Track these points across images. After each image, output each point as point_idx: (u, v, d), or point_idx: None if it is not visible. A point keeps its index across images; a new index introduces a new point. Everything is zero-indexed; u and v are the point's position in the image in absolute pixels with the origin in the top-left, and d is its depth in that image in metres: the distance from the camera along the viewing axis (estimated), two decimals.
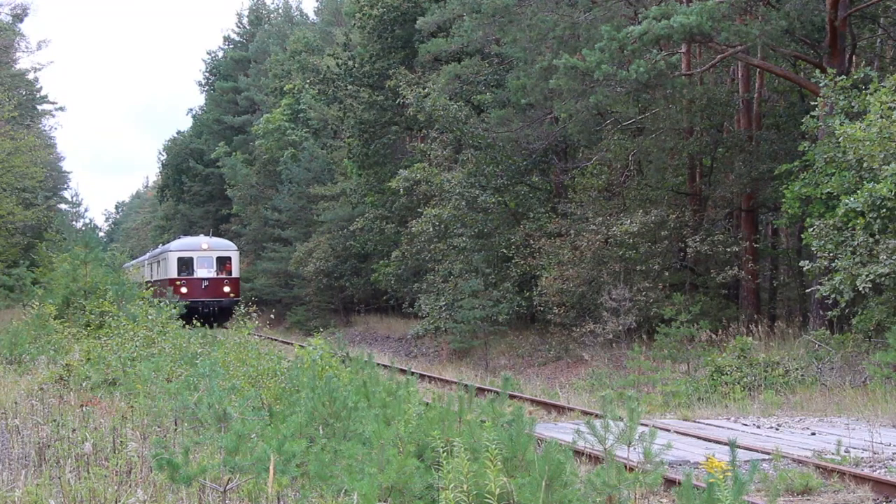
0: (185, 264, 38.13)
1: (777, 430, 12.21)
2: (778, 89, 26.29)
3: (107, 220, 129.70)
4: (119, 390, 11.72)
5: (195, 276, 37.89)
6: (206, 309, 34.94)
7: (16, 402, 10.61)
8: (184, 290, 36.32)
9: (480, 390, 13.52)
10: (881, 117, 16.05)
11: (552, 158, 29.04)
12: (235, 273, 39.19)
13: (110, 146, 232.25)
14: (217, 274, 38.21)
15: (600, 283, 24.23)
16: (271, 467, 6.10)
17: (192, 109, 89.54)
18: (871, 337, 17.27)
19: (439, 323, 28.03)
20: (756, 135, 24.65)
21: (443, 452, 6.82)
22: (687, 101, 23.88)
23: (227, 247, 40.46)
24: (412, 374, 10.64)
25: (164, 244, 49.22)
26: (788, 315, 24.60)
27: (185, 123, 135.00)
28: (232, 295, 37.64)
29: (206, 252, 38.60)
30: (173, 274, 37.87)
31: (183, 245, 40.26)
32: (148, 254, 50.22)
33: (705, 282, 24.53)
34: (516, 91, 24.71)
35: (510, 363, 25.11)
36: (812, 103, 19.27)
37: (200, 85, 74.60)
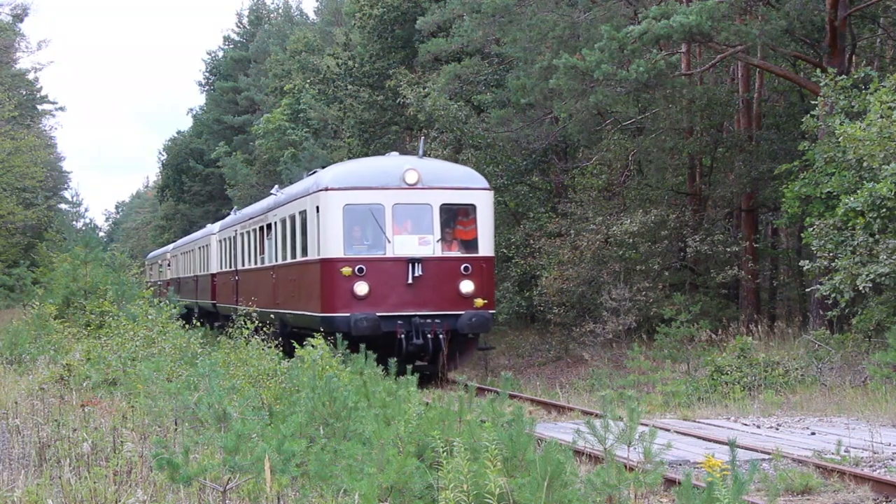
0: (364, 223, 17.02)
1: (777, 429, 12.20)
2: (778, 89, 26.30)
3: (107, 220, 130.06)
4: (119, 390, 11.73)
5: (389, 253, 16.90)
6: (418, 339, 16.54)
7: (16, 402, 10.63)
8: (361, 288, 16.55)
9: (480, 390, 13.53)
10: (881, 117, 16.04)
11: (552, 158, 29.03)
12: (487, 248, 17.58)
13: (110, 146, 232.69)
14: (443, 248, 17.18)
15: (600, 282, 24.23)
16: (266, 466, 6.10)
17: (192, 109, 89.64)
18: (871, 337, 17.26)
19: None
20: (756, 135, 24.65)
21: (443, 452, 6.82)
22: (687, 101, 23.88)
23: (463, 180, 17.88)
24: (412, 373, 10.62)
25: (281, 186, 24.12)
26: (788, 315, 24.58)
27: (186, 123, 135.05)
28: (479, 302, 17.06)
29: (415, 191, 17.12)
30: (334, 251, 16.81)
31: (358, 176, 17.44)
32: (245, 210, 27.39)
33: (705, 282, 24.54)
34: (516, 91, 24.70)
35: (510, 363, 25.07)
36: (812, 103, 19.27)
37: (200, 85, 74.86)
